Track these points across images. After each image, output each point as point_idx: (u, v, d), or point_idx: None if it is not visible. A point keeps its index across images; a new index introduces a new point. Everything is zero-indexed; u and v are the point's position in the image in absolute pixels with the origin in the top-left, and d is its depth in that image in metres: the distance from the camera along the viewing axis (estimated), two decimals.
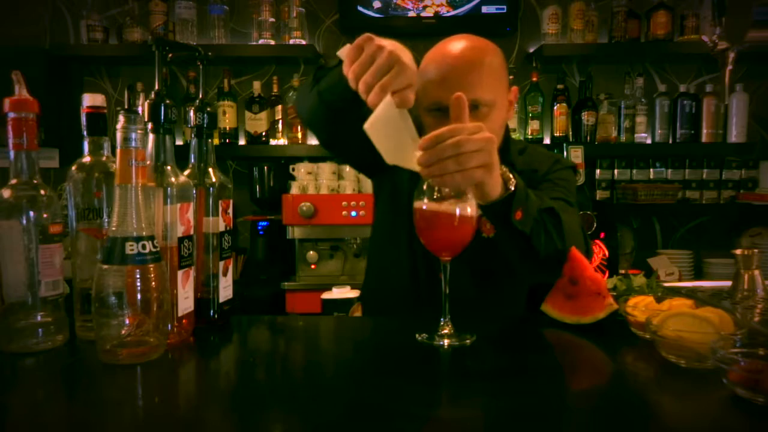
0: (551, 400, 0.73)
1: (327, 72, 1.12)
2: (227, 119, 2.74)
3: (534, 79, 2.78)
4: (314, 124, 1.27)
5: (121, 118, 0.81)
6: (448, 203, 0.92)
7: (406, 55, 0.89)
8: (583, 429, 0.67)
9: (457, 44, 1.20)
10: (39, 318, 0.89)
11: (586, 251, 1.18)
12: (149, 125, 0.94)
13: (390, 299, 1.39)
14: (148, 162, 0.90)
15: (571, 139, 2.77)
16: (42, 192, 0.89)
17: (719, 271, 2.62)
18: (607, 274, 2.37)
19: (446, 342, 0.93)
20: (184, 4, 2.71)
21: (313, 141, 2.82)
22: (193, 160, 1.04)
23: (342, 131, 1.19)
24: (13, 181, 0.88)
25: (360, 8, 2.72)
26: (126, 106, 2.80)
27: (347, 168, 2.62)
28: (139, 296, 0.82)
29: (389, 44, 0.89)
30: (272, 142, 2.79)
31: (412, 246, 1.32)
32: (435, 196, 0.92)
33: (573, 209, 1.27)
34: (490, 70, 1.18)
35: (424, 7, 2.73)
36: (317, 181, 2.59)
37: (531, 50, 2.84)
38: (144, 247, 0.82)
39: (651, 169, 2.81)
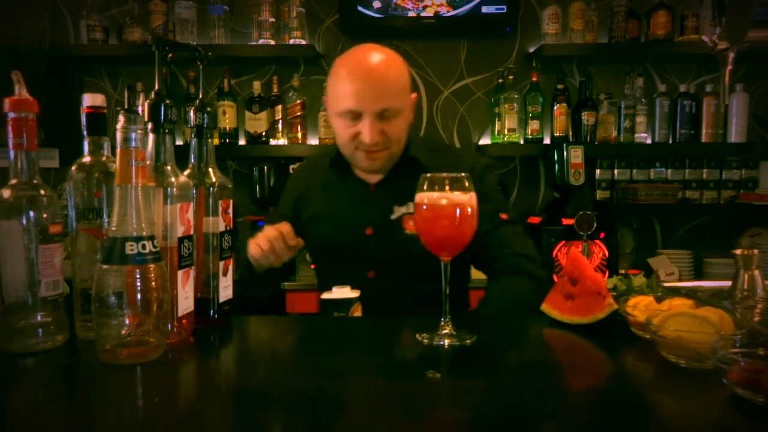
0: (551, 400, 0.73)
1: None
2: (227, 119, 2.74)
3: (534, 79, 2.78)
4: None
5: (121, 118, 0.81)
6: (448, 203, 0.92)
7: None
8: (583, 429, 0.67)
9: (367, 57, 1.35)
10: (39, 318, 0.89)
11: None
12: (149, 125, 0.94)
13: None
14: (148, 162, 0.90)
15: (571, 139, 2.78)
16: (42, 192, 0.89)
17: (719, 271, 2.62)
18: (607, 274, 2.37)
19: (446, 342, 0.93)
20: (184, 4, 2.71)
21: (313, 141, 2.82)
22: (193, 160, 1.04)
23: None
24: (13, 181, 0.88)
25: (360, 8, 2.72)
26: (126, 106, 2.80)
27: None
28: (139, 296, 0.82)
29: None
30: (272, 142, 2.79)
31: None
32: (434, 196, 0.92)
33: (511, 225, 1.45)
34: (396, 80, 1.34)
35: (424, 7, 2.73)
36: None
37: (531, 50, 2.84)
38: (144, 247, 0.82)
39: (651, 169, 2.81)
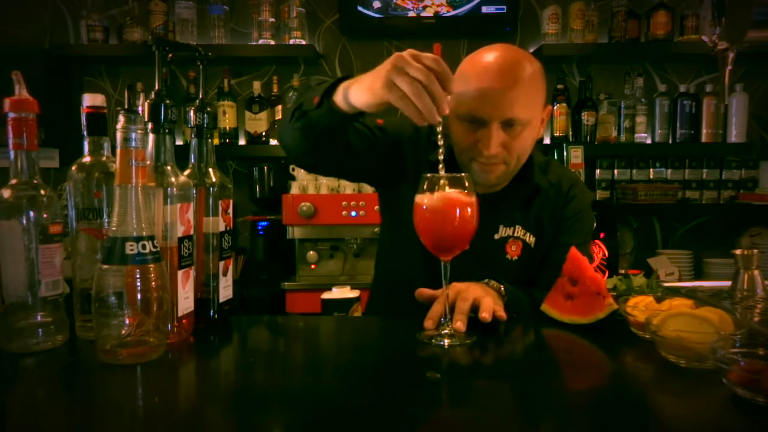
0: (551, 400, 0.73)
1: (307, 110, 1.10)
2: (227, 119, 2.74)
3: None
4: (300, 153, 1.22)
5: (121, 118, 0.81)
6: (447, 203, 0.92)
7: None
8: (583, 429, 0.67)
9: (497, 57, 1.17)
10: (39, 318, 0.89)
11: None
12: (149, 125, 0.94)
13: (400, 307, 1.33)
14: (148, 162, 0.90)
15: (571, 139, 2.78)
16: (42, 192, 0.89)
17: (719, 271, 2.62)
18: (607, 274, 2.37)
19: (447, 342, 0.93)
20: (184, 4, 2.71)
21: None
22: (193, 160, 1.04)
23: (330, 152, 1.19)
24: (13, 181, 0.88)
25: (360, 8, 2.72)
26: (126, 106, 2.80)
27: None
28: (139, 296, 0.82)
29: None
30: (272, 142, 2.79)
31: (425, 256, 1.29)
32: (435, 196, 0.92)
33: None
34: (529, 88, 1.17)
35: (424, 7, 2.73)
36: (317, 181, 2.59)
37: (531, 50, 2.83)
38: (144, 247, 0.82)
39: (651, 169, 2.81)
